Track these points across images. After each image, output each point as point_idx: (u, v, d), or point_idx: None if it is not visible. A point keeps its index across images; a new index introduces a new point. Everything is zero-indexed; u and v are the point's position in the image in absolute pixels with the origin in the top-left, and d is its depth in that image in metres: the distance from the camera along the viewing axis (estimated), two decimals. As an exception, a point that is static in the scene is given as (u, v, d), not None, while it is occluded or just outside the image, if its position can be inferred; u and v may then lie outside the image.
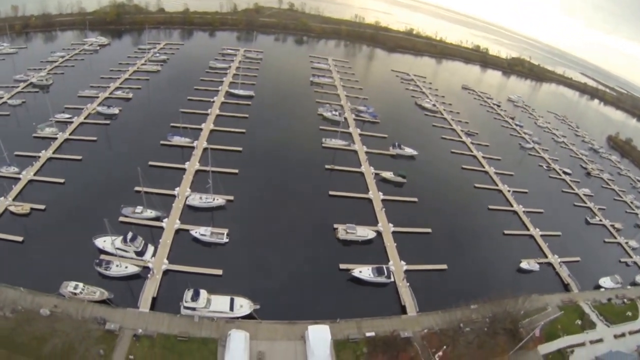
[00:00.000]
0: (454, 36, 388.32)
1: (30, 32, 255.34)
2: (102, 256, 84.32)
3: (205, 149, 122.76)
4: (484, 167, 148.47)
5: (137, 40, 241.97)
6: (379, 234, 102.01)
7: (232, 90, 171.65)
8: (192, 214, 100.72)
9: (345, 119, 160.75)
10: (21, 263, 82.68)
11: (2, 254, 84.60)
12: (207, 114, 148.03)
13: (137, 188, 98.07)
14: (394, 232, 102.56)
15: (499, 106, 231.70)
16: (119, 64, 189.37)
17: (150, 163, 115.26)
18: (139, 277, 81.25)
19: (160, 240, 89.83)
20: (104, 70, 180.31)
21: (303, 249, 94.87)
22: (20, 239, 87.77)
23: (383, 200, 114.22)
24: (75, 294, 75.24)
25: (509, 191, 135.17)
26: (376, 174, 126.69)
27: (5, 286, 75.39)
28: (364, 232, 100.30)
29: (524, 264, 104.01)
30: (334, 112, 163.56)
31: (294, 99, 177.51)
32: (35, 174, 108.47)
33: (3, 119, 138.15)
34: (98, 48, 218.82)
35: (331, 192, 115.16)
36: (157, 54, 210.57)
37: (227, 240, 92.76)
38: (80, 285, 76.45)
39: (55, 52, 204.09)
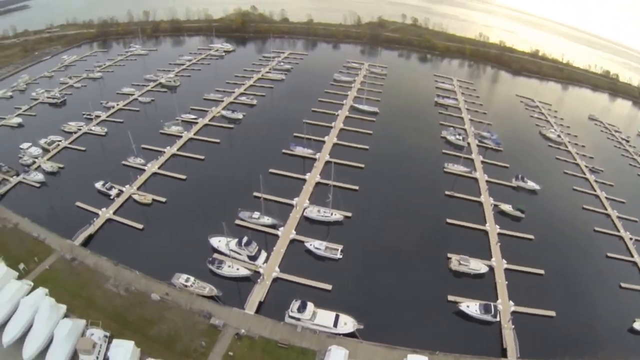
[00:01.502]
0: (581, 59, 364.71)
1: (160, 36, 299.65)
2: (216, 255, 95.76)
3: (327, 162, 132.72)
4: (606, 210, 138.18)
5: (261, 48, 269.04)
6: (491, 268, 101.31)
7: (357, 105, 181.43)
8: (308, 226, 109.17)
9: (469, 144, 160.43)
10: (139, 248, 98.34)
11: (124, 237, 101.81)
12: (331, 127, 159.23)
13: (256, 194, 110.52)
14: (506, 269, 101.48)
15: (627, 141, 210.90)
16: (244, 71, 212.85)
17: (271, 170, 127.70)
18: (249, 280, 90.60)
19: (274, 248, 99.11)
20: (228, 76, 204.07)
21: (414, 274, 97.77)
22: (140, 226, 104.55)
23: (499, 234, 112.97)
24: (185, 285, 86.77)
25: (631, 239, 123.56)
26: (495, 206, 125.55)
27: (123, 267, 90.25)
28: (477, 266, 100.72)
29: (638, 324, 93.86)
30: (457, 136, 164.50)
31: (418, 119, 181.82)
32: (159, 168, 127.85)
33: (133, 114, 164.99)
34: (223, 54, 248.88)
35: (448, 220, 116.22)
36: (281, 63, 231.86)
37: (340, 256, 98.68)
38: (192, 278, 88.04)
39: (182, 56, 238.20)
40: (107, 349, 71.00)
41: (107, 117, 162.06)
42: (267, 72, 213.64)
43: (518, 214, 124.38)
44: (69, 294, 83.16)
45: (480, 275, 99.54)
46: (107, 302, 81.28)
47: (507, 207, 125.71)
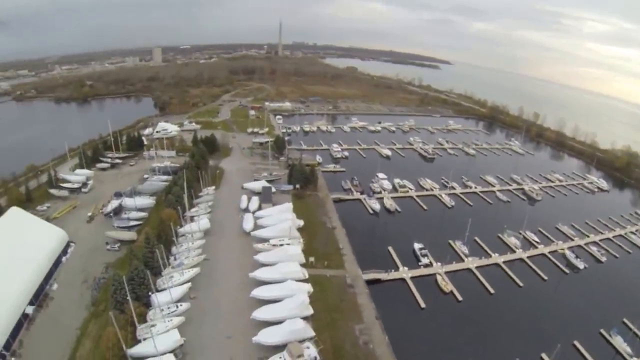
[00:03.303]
0: None
1: (542, 142, 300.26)
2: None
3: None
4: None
5: (638, 202, 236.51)
6: None
7: None
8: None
9: None
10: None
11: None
12: None
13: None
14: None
15: None
16: (608, 218, 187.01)
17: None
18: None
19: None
20: (590, 215, 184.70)
21: None
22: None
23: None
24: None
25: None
26: None
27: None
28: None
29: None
30: None
31: None
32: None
33: (484, 204, 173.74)
34: (595, 190, 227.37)
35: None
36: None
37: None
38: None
39: (554, 173, 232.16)
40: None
41: (460, 192, 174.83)
42: (633, 233, 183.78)
43: None
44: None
45: None
46: None
47: None
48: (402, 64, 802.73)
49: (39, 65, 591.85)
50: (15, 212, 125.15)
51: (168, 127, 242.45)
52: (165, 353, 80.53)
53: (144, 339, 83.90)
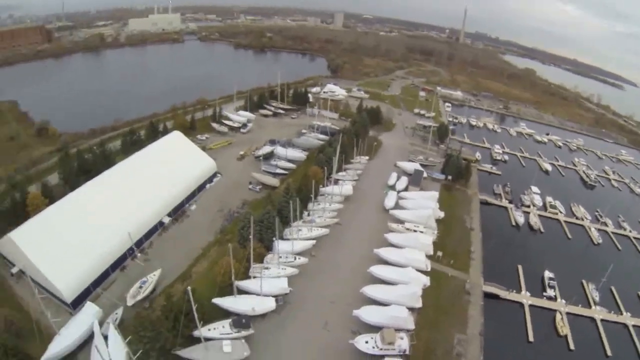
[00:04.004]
0: None
1: None
2: None
3: None
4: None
5: None
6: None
7: None
8: None
9: None
10: None
11: None
12: None
13: None
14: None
15: None
16: None
17: None
18: None
19: None
20: None
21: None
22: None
23: None
24: None
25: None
26: None
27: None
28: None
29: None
30: None
31: None
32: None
33: None
34: None
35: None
36: None
37: None
38: None
39: None
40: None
41: (612, 230, 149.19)
42: None
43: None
44: None
45: None
46: None
47: None
48: (582, 76, 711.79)
49: (226, 12, 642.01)
50: (176, 135, 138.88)
51: (336, 90, 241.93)
52: (268, 296, 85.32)
53: (254, 277, 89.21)
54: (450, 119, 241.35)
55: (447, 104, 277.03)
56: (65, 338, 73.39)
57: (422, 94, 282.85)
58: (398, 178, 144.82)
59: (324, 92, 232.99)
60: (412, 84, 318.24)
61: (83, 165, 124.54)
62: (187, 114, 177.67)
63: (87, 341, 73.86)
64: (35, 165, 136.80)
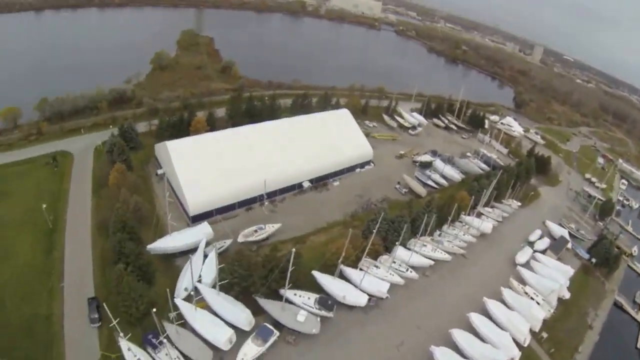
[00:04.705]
0: None
1: None
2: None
3: None
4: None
5: None
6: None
7: None
8: None
9: None
10: None
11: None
12: None
13: None
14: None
15: None
16: None
17: None
18: None
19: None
20: None
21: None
22: None
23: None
24: None
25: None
26: None
27: None
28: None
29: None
30: None
31: None
32: None
33: None
34: None
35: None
36: None
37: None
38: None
39: None
40: None
41: None
42: None
43: None
44: None
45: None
46: None
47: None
48: None
49: (426, 13, 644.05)
50: (345, 113, 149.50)
51: (514, 126, 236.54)
52: (363, 292, 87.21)
53: (360, 269, 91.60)
54: (621, 199, 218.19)
55: (623, 180, 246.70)
56: (174, 240, 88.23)
57: (600, 160, 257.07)
58: (540, 237, 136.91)
59: (502, 123, 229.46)
60: (593, 146, 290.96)
61: (250, 109, 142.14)
62: (363, 98, 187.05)
63: (189, 252, 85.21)
64: (210, 96, 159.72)
